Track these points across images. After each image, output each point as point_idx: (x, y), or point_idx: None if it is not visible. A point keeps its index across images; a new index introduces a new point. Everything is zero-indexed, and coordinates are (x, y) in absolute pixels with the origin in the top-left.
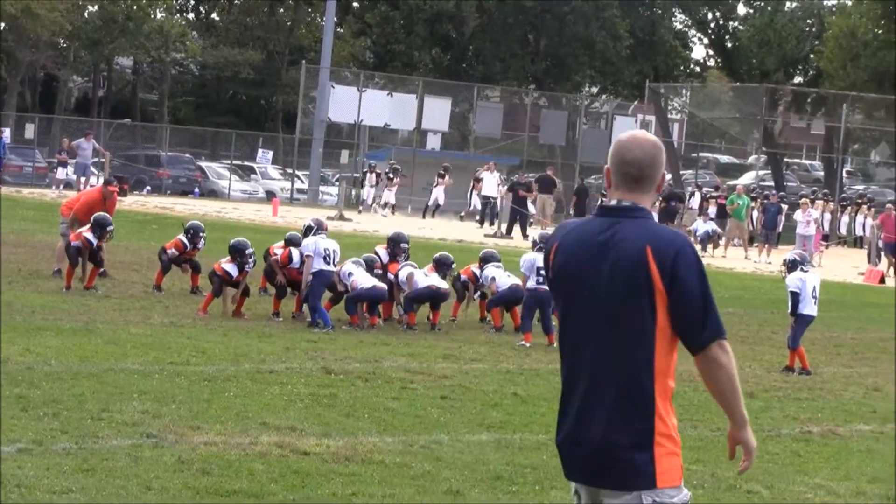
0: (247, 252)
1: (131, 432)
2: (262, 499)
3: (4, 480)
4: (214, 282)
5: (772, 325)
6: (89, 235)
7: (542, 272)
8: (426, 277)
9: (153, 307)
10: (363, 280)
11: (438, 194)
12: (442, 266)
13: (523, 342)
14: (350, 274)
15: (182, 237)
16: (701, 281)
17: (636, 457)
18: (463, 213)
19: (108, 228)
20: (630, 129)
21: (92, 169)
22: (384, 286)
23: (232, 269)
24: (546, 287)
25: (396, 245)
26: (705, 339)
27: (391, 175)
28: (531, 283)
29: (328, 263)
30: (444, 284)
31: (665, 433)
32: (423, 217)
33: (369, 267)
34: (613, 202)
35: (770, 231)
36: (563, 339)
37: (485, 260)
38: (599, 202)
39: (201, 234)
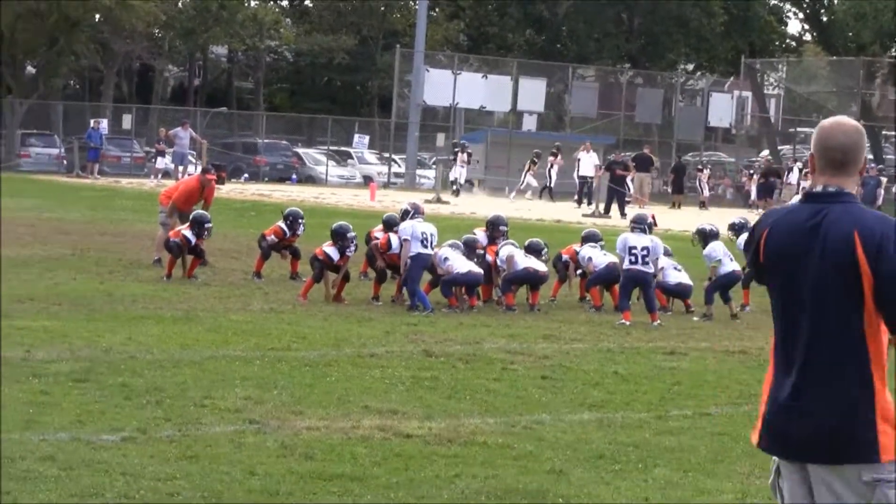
0: (348, 236)
1: (234, 419)
2: (365, 482)
3: (109, 469)
4: (315, 266)
5: None
6: (188, 233)
7: (635, 252)
8: (525, 259)
9: (253, 294)
10: (459, 264)
11: (552, 174)
12: (533, 253)
13: (623, 321)
14: (446, 259)
15: (281, 224)
16: None
17: (857, 431)
18: (514, 193)
19: (207, 226)
20: (726, 106)
21: (189, 158)
22: (480, 270)
23: (333, 253)
24: (640, 267)
25: (495, 228)
26: None
27: (458, 152)
28: (626, 264)
29: (426, 247)
30: (541, 266)
31: (885, 409)
32: (540, 198)
33: (470, 248)
34: (819, 188)
35: (870, 204)
36: (777, 321)
37: (585, 240)
38: (802, 189)
39: (300, 221)
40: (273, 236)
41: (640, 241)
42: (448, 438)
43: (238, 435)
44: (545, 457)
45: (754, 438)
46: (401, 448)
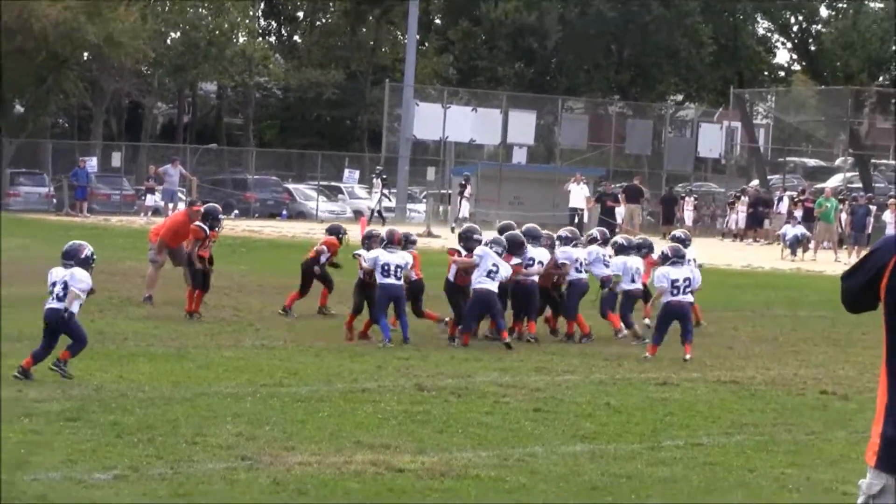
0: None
1: (226, 455)
2: None
3: None
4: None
5: (863, 327)
6: (203, 225)
7: (677, 285)
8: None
9: (244, 330)
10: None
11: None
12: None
13: (647, 355)
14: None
15: (332, 237)
16: None
17: None
18: (454, 222)
19: (220, 217)
20: (715, 136)
21: (179, 195)
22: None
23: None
24: (683, 298)
25: (469, 239)
26: None
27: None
28: (667, 297)
29: (387, 276)
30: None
31: None
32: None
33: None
34: None
35: (859, 233)
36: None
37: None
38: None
39: (343, 234)
40: (324, 248)
41: (680, 273)
42: (441, 472)
43: (230, 472)
44: (538, 489)
45: (872, 461)
46: (393, 482)
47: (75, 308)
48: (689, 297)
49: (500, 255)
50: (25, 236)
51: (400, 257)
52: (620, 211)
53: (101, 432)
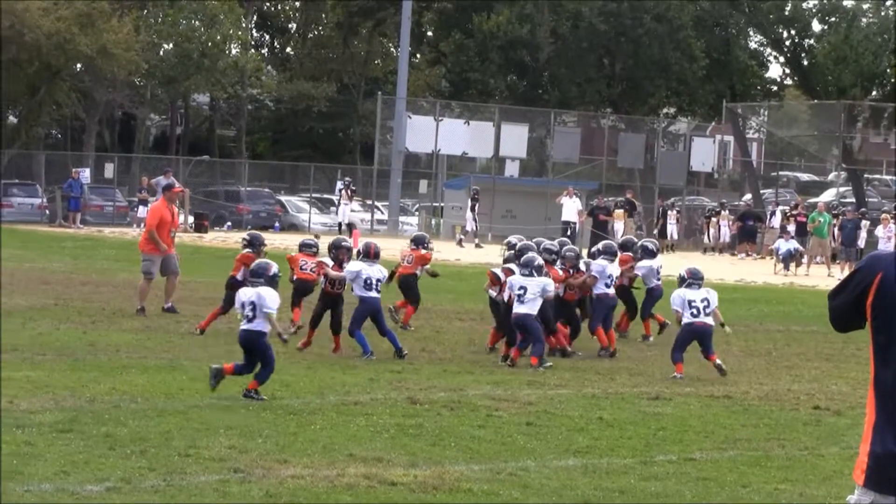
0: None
1: (219, 468)
2: None
3: None
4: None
5: (856, 343)
6: (249, 250)
7: (695, 306)
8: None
9: (236, 343)
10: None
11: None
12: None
13: (676, 374)
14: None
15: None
16: None
17: None
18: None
19: (264, 243)
20: (708, 150)
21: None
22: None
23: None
24: (703, 320)
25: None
26: None
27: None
28: (687, 318)
29: (369, 290)
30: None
31: None
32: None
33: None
34: None
35: (849, 247)
36: (887, 367)
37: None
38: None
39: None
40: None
41: (697, 294)
42: (433, 486)
43: (223, 484)
44: (531, 503)
45: (860, 479)
46: (386, 496)
47: (266, 328)
48: (710, 320)
49: (528, 275)
50: (19, 247)
51: (378, 271)
52: (619, 226)
53: (94, 444)
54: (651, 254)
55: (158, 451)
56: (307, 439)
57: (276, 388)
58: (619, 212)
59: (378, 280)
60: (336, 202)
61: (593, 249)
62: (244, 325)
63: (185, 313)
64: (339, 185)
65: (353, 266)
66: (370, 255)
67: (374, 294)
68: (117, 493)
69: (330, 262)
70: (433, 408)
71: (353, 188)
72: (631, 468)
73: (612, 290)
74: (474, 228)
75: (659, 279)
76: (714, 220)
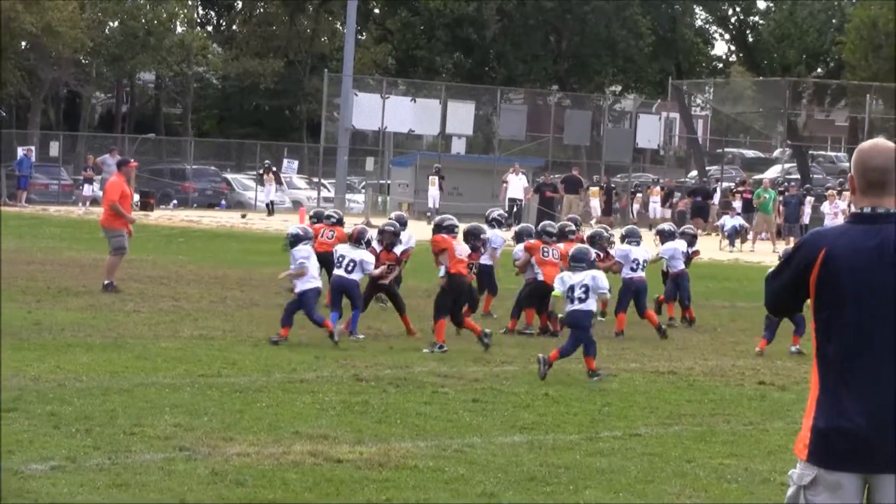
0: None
1: (164, 446)
2: None
3: (39, 498)
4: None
5: None
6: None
7: (636, 263)
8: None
9: (182, 321)
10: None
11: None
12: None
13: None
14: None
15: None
16: None
17: None
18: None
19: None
20: (654, 127)
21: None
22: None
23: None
24: (640, 276)
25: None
26: None
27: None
28: (626, 272)
29: (338, 268)
30: None
31: None
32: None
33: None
34: (868, 210)
35: (793, 223)
36: (838, 337)
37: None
38: (851, 211)
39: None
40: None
41: (639, 253)
42: (379, 463)
43: (168, 462)
44: (476, 480)
45: (803, 454)
46: (332, 473)
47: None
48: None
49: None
50: None
51: (358, 254)
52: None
53: (39, 423)
54: (670, 236)
55: (103, 430)
56: (253, 417)
57: (221, 366)
58: (594, 189)
59: (352, 261)
60: (261, 182)
61: (538, 228)
62: (341, 272)
63: (129, 291)
64: (261, 170)
65: (342, 248)
66: (354, 238)
67: (343, 273)
68: (62, 472)
69: (377, 248)
70: (379, 385)
71: (275, 169)
72: (576, 444)
73: (637, 274)
74: (436, 206)
75: (679, 261)
76: (639, 195)
